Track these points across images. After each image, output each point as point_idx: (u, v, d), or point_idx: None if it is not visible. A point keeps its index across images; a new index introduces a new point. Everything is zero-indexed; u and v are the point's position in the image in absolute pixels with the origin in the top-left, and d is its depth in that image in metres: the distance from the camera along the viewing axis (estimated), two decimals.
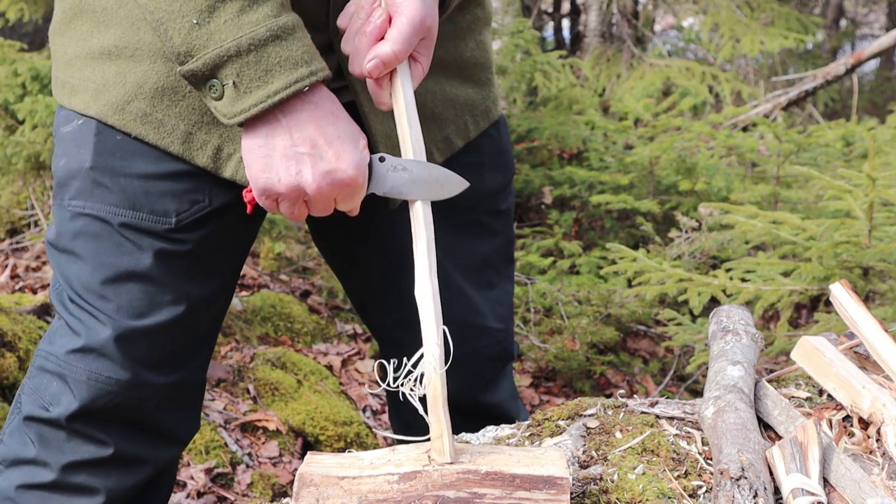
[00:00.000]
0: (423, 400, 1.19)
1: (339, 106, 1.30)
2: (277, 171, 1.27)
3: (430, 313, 1.21)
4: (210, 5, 1.23)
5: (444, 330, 1.20)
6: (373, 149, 1.46)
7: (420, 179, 1.26)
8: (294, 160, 1.26)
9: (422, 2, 1.26)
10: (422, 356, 1.19)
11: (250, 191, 1.32)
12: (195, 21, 1.23)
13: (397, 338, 1.68)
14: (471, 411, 1.67)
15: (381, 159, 1.29)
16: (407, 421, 1.71)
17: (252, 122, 1.27)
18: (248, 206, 1.36)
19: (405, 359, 1.19)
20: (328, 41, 1.40)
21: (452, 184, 1.31)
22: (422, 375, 1.18)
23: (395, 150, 1.41)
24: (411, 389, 1.19)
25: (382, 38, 1.27)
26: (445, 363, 1.19)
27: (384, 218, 1.56)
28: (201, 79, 1.25)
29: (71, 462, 1.51)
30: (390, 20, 1.27)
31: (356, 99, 1.45)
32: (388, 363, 1.21)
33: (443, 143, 1.58)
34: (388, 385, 1.19)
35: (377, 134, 1.47)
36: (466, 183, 1.33)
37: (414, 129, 1.26)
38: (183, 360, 1.54)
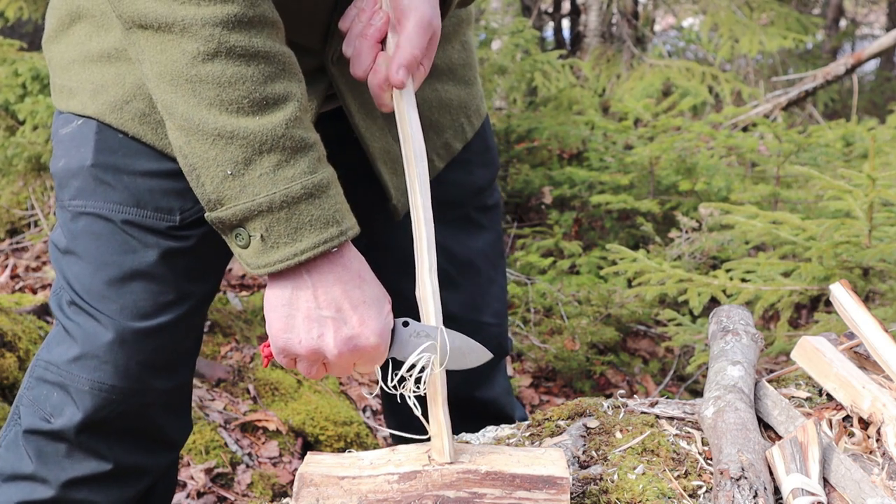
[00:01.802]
0: (421, 400, 1.19)
1: (367, 266, 1.26)
2: (299, 333, 1.23)
3: (430, 313, 1.21)
4: (247, 158, 1.19)
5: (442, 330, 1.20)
6: (371, 166, 1.46)
7: (441, 348, 1.23)
8: (317, 323, 1.23)
9: (427, 2, 1.26)
10: (420, 357, 1.19)
11: (269, 345, 1.28)
12: (230, 172, 1.19)
13: None
14: (467, 407, 1.67)
15: (405, 324, 1.25)
16: (402, 421, 1.71)
17: (277, 277, 1.23)
18: (265, 361, 1.31)
19: (404, 360, 1.19)
20: (320, 64, 1.40)
21: (474, 353, 1.28)
22: (421, 376, 1.19)
23: (395, 165, 1.41)
24: (411, 390, 1.19)
25: (383, 40, 1.27)
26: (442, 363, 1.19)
27: (385, 222, 1.55)
28: (228, 226, 1.22)
29: (71, 479, 1.49)
30: (394, 21, 1.26)
31: (351, 120, 1.44)
32: (387, 365, 1.21)
33: (443, 148, 1.58)
34: (387, 386, 1.19)
35: (375, 151, 1.46)
36: (490, 354, 1.30)
37: (415, 129, 1.25)
38: (182, 362, 1.54)
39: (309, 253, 1.20)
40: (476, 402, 1.73)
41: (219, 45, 1.17)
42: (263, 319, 3.64)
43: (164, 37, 1.18)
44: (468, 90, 1.62)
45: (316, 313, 1.22)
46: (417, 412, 1.18)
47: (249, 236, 1.21)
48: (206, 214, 1.23)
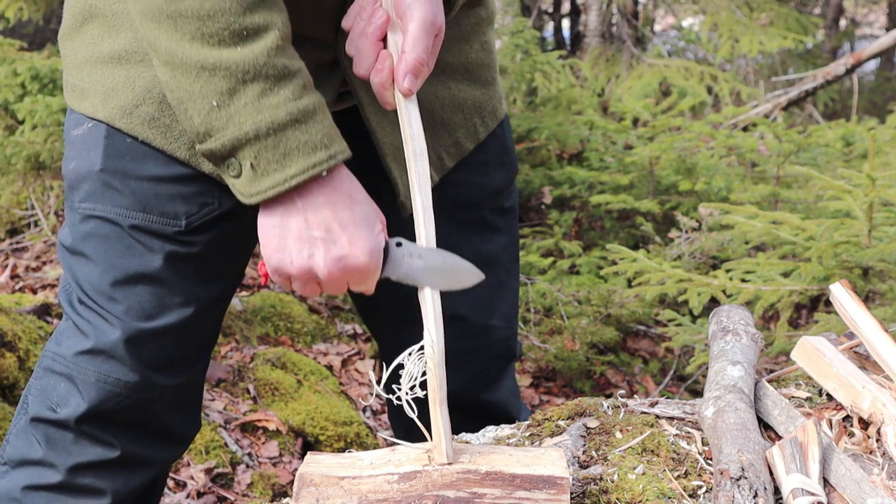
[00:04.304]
0: (417, 401, 1.19)
1: (359, 187, 1.29)
2: (290, 253, 1.27)
3: (431, 313, 1.21)
4: (231, 88, 1.21)
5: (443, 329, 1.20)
6: (381, 160, 1.46)
7: (435, 268, 1.25)
8: (307, 243, 1.26)
9: (429, 2, 1.26)
10: (420, 358, 1.19)
11: (265, 265, 1.32)
12: (215, 103, 1.22)
13: (398, 338, 1.68)
14: (473, 410, 1.68)
15: (398, 244, 1.27)
16: (406, 420, 1.71)
17: (268, 202, 1.26)
18: (263, 279, 1.35)
19: (403, 360, 1.19)
20: (333, 57, 1.41)
21: (467, 273, 1.29)
22: (422, 376, 1.18)
23: (405, 161, 1.41)
24: (410, 391, 1.19)
25: (384, 38, 1.27)
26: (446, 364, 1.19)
27: (391, 221, 1.56)
28: (220, 157, 1.25)
29: (78, 464, 1.51)
30: (395, 19, 1.26)
31: (363, 112, 1.45)
32: (386, 366, 1.21)
33: (453, 147, 1.58)
34: (386, 388, 1.19)
35: (385, 147, 1.47)
36: (482, 275, 1.31)
37: (416, 129, 1.26)
38: (189, 362, 1.55)
39: (298, 178, 1.22)
40: (482, 405, 1.73)
41: None
42: (263, 319, 3.65)
43: None
44: (484, 91, 1.61)
45: (306, 234, 1.25)
46: (413, 415, 1.18)
47: (241, 166, 1.24)
48: (197, 147, 1.26)
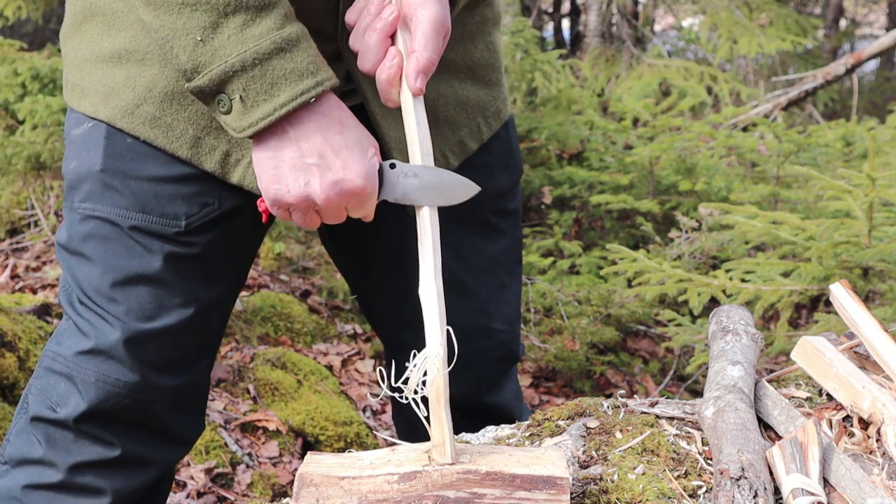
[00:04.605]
0: (425, 401, 1.19)
1: (348, 114, 1.29)
2: (286, 183, 1.27)
3: (433, 314, 1.21)
4: (213, 21, 1.23)
5: (448, 330, 1.20)
6: (386, 155, 1.46)
7: (431, 185, 1.26)
8: (302, 171, 1.27)
9: (439, 1, 1.26)
10: (424, 358, 1.19)
11: (263, 200, 1.33)
12: (199, 38, 1.23)
13: (402, 339, 1.68)
14: (475, 412, 1.67)
15: (392, 166, 1.28)
16: (411, 420, 1.71)
17: (261, 135, 1.27)
18: (263, 216, 1.36)
19: (408, 361, 1.19)
20: (337, 50, 1.40)
21: (463, 188, 1.30)
22: (424, 377, 1.18)
23: (409, 159, 1.41)
24: (414, 392, 1.18)
25: (393, 34, 1.27)
26: (449, 364, 1.19)
27: (395, 218, 1.56)
28: (209, 94, 1.26)
29: (78, 463, 1.51)
30: (405, 17, 1.26)
31: (367, 106, 1.45)
32: (391, 365, 1.21)
33: (457, 146, 1.58)
34: (391, 387, 1.19)
35: (390, 140, 1.47)
36: (478, 188, 1.32)
37: (422, 127, 1.25)
38: (190, 363, 1.54)
39: (288, 106, 1.23)
40: (485, 407, 1.73)
41: None
42: (263, 319, 3.65)
43: None
44: (489, 91, 1.61)
45: (300, 162, 1.26)
46: (421, 414, 1.18)
47: (230, 101, 1.25)
48: (186, 86, 1.27)
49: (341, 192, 1.27)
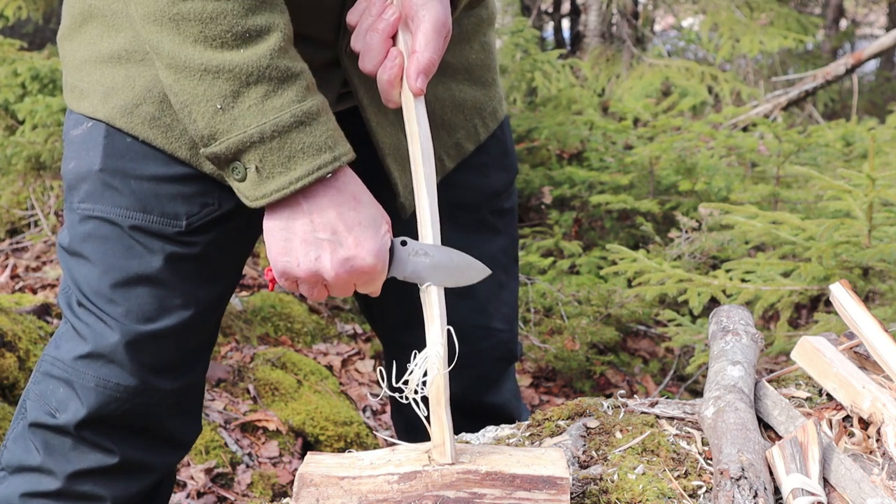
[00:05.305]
0: (425, 401, 1.19)
1: (363, 189, 1.28)
2: (297, 256, 1.26)
3: (434, 314, 1.21)
4: (235, 91, 1.21)
5: (448, 330, 1.20)
6: (380, 162, 1.46)
7: (441, 265, 1.24)
8: (314, 246, 1.25)
9: (440, 2, 1.26)
10: (425, 358, 1.19)
11: (271, 270, 1.31)
12: (219, 106, 1.22)
13: (401, 339, 1.68)
14: (474, 412, 1.67)
15: (403, 243, 1.27)
16: (410, 420, 1.71)
17: (274, 205, 1.26)
18: (270, 285, 1.35)
19: (408, 361, 1.19)
20: (334, 57, 1.40)
21: (473, 270, 1.29)
22: (425, 377, 1.18)
23: (405, 162, 1.40)
24: (414, 391, 1.18)
25: (395, 35, 1.26)
26: (449, 364, 1.19)
27: (392, 222, 1.55)
28: (224, 161, 1.25)
29: (77, 471, 1.50)
30: (406, 18, 1.26)
31: (363, 112, 1.44)
32: (391, 365, 1.21)
33: (453, 148, 1.57)
34: (391, 387, 1.19)
35: (385, 147, 1.46)
36: (488, 270, 1.31)
37: (423, 128, 1.25)
38: (189, 365, 1.54)
39: (304, 180, 1.22)
40: (484, 407, 1.73)
41: None
42: (263, 319, 3.64)
43: None
44: (485, 92, 1.61)
45: (312, 236, 1.25)
46: (422, 414, 1.18)
47: (245, 169, 1.24)
48: (201, 151, 1.26)
49: (352, 270, 1.26)
